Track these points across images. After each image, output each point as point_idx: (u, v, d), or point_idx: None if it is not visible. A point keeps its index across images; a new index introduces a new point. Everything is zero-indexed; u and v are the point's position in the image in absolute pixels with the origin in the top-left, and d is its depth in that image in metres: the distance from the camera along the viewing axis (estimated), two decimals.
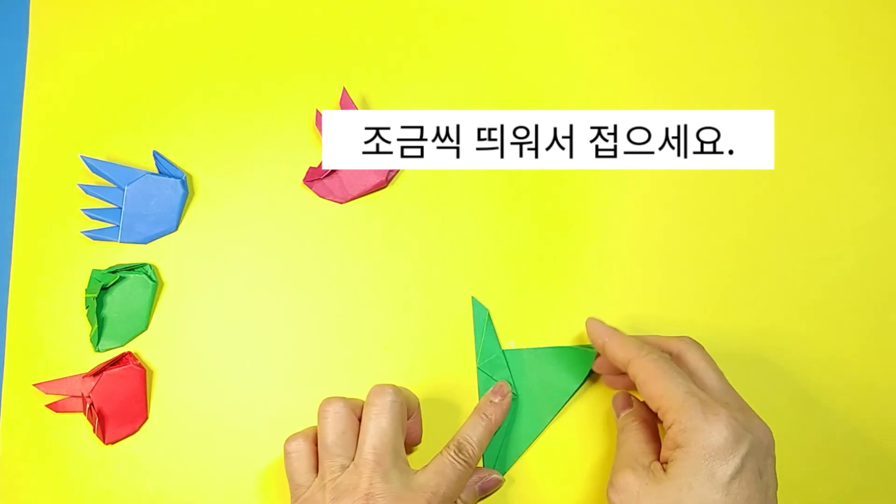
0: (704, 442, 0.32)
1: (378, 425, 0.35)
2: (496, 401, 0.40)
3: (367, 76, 0.45)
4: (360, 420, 0.36)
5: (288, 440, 0.37)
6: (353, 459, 0.35)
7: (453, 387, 0.42)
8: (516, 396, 0.41)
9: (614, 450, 0.38)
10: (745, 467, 0.32)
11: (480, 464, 0.40)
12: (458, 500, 0.38)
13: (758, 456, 0.33)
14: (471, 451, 0.37)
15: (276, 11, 0.46)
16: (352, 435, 0.36)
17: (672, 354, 0.37)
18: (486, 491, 0.39)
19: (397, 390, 0.36)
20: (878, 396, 0.42)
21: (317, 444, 0.36)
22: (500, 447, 0.41)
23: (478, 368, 0.42)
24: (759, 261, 0.43)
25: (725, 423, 0.32)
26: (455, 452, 0.37)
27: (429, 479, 0.35)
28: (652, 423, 0.38)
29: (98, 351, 0.42)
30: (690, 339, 0.38)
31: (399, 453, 0.35)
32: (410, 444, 0.40)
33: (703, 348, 0.38)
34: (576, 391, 0.41)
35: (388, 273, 0.43)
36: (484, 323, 0.42)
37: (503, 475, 0.40)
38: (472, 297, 0.42)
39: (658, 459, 0.35)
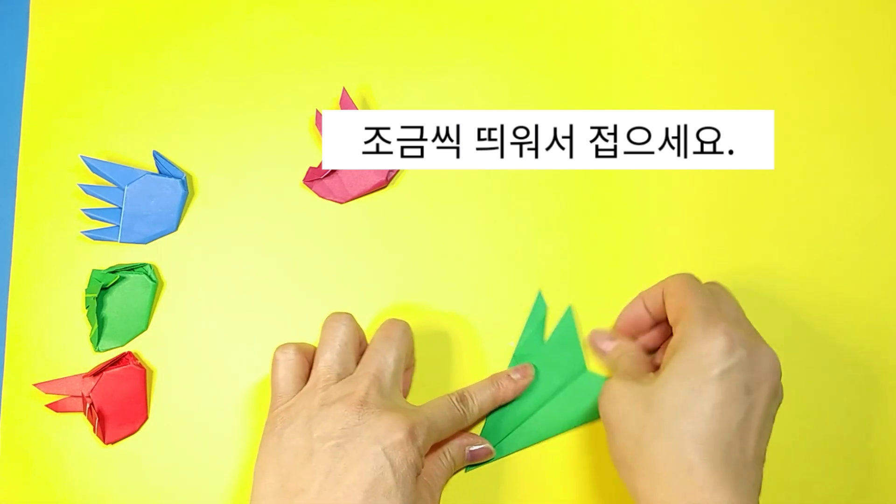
0: (696, 347, 0.33)
1: (383, 349, 0.36)
2: (514, 377, 0.40)
3: (367, 76, 0.45)
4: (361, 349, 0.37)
5: (279, 347, 0.37)
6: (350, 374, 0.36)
7: (453, 386, 0.41)
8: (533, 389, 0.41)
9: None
10: (728, 376, 0.32)
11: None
12: (446, 454, 0.38)
13: (748, 372, 0.33)
14: (471, 405, 0.38)
15: (277, 11, 0.46)
16: (353, 353, 0.36)
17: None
18: (475, 459, 0.39)
19: (409, 329, 0.37)
20: (879, 396, 0.42)
21: (308, 359, 0.37)
22: (502, 430, 0.41)
23: (514, 355, 0.42)
24: (759, 260, 0.43)
25: (722, 332, 0.33)
26: (457, 399, 0.37)
27: (424, 408, 0.36)
28: (643, 355, 0.39)
29: (98, 351, 0.42)
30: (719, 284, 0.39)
31: (397, 383, 0.36)
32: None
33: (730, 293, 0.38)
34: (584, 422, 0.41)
35: (388, 273, 0.43)
36: (539, 318, 0.42)
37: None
38: (539, 293, 0.42)
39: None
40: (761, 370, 0.34)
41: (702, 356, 0.33)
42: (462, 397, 0.38)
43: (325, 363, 0.36)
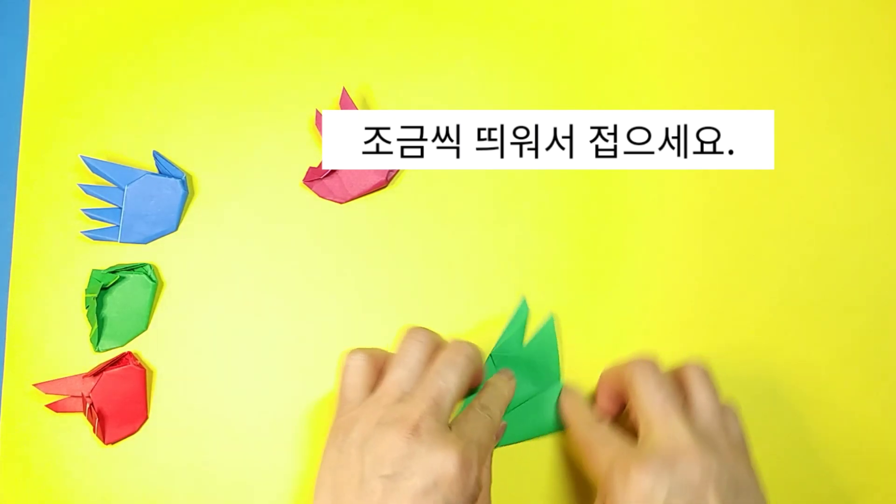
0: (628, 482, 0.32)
1: (446, 372, 0.35)
2: (504, 378, 0.40)
3: (367, 76, 0.45)
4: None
5: (351, 353, 0.36)
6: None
7: None
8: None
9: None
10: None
11: None
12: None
13: (686, 494, 0.31)
14: (494, 411, 0.37)
15: (277, 11, 0.46)
16: (421, 370, 0.35)
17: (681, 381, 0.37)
18: (499, 438, 0.39)
19: (477, 354, 0.36)
20: (878, 396, 0.42)
21: (378, 367, 0.36)
22: None
23: (490, 355, 0.42)
24: (759, 261, 0.43)
25: (636, 479, 0.32)
26: (480, 408, 0.36)
27: (465, 429, 0.34)
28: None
29: (98, 351, 0.42)
30: (695, 366, 0.37)
31: (454, 407, 0.35)
32: None
33: (705, 376, 0.37)
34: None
35: (388, 273, 0.43)
36: (520, 322, 0.42)
37: None
38: (522, 297, 0.42)
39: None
40: (694, 484, 0.32)
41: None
42: (483, 405, 0.37)
43: (395, 379, 0.35)
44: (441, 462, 0.31)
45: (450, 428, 0.33)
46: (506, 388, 0.39)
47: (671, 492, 0.31)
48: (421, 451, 0.31)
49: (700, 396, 0.35)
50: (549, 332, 0.42)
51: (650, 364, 0.36)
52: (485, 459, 0.34)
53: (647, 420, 0.34)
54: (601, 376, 0.41)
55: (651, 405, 0.35)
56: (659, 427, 0.34)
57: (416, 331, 0.37)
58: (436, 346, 0.36)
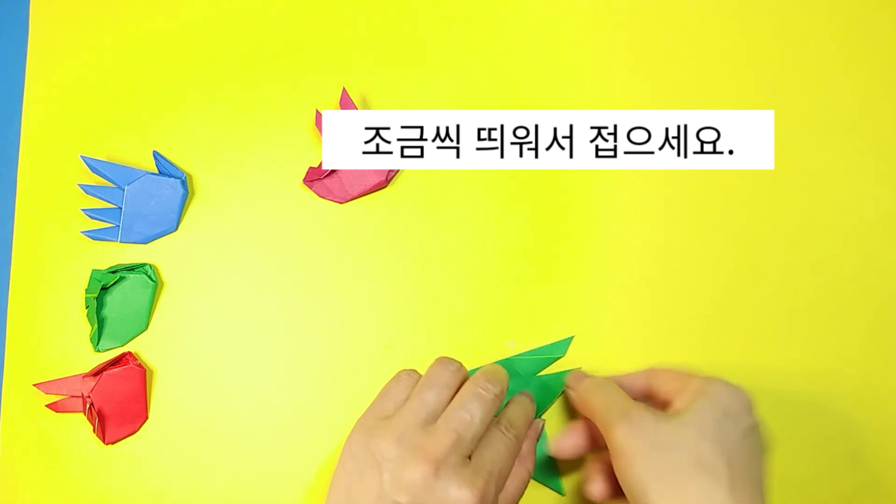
0: (722, 397, 0.35)
1: (475, 408, 0.35)
2: (528, 399, 0.39)
3: (367, 76, 0.45)
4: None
5: (406, 371, 0.37)
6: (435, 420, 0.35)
7: None
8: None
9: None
10: (752, 432, 0.34)
11: None
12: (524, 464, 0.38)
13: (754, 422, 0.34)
14: (519, 429, 0.37)
15: (276, 11, 0.46)
16: (448, 396, 0.36)
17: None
18: (537, 435, 0.40)
19: (504, 388, 0.36)
20: (878, 396, 0.42)
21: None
22: None
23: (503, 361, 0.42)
24: (759, 261, 0.43)
25: (745, 392, 0.35)
26: (505, 428, 0.36)
27: (489, 456, 0.34)
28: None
29: (98, 351, 0.42)
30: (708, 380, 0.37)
31: (477, 440, 0.35)
32: None
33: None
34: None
35: (388, 273, 0.43)
36: (550, 355, 0.42)
37: None
38: (572, 337, 0.42)
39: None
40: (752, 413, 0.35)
41: (730, 405, 0.34)
42: (509, 424, 0.36)
43: (421, 399, 0.35)
44: (458, 500, 0.32)
45: (470, 459, 0.34)
46: (530, 407, 0.39)
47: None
48: (439, 487, 0.32)
49: None
50: (557, 382, 0.41)
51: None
52: (502, 486, 0.35)
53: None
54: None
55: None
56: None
57: (447, 359, 0.37)
58: (464, 377, 0.37)
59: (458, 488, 0.32)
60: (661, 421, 0.34)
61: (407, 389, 0.36)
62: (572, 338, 0.42)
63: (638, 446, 0.33)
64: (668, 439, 0.33)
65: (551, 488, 0.41)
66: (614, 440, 0.34)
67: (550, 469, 0.41)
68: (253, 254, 0.43)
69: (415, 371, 0.38)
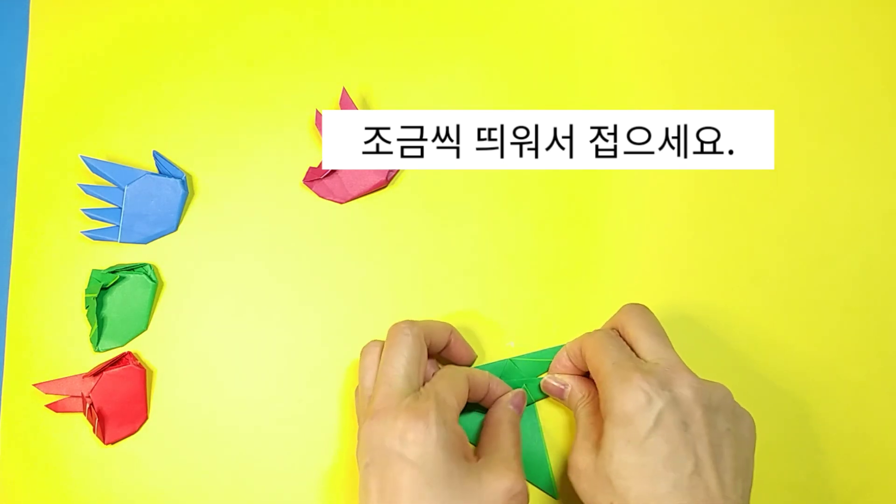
0: (618, 410, 0.33)
1: (445, 384, 0.36)
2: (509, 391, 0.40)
3: (367, 76, 0.45)
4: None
5: (364, 350, 0.38)
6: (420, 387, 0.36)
7: None
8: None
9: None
10: (660, 424, 0.32)
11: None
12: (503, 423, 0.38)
13: (679, 410, 0.33)
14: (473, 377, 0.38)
15: (277, 11, 0.46)
16: (419, 367, 0.37)
17: (618, 328, 0.38)
18: (518, 406, 0.40)
19: (420, 329, 0.37)
20: (878, 396, 0.42)
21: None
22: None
23: (514, 359, 0.42)
24: (759, 261, 0.43)
25: (636, 387, 0.33)
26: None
27: (433, 385, 0.36)
28: (597, 400, 0.38)
29: (98, 351, 0.42)
30: (632, 305, 0.38)
31: (416, 378, 0.36)
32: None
33: (644, 312, 0.38)
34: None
35: (388, 273, 0.43)
36: (544, 360, 0.42)
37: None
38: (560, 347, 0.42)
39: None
40: (687, 401, 0.33)
41: (624, 420, 0.33)
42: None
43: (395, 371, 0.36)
44: (402, 427, 0.33)
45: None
46: (498, 387, 0.40)
47: (665, 406, 0.33)
48: (377, 423, 0.34)
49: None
50: (531, 415, 0.41)
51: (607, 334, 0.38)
52: (455, 405, 0.35)
53: (646, 348, 0.36)
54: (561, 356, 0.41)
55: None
56: (654, 354, 0.36)
57: (399, 326, 0.38)
58: (423, 342, 0.38)
59: (398, 419, 0.33)
60: (589, 463, 0.35)
61: (373, 370, 0.37)
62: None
63: (589, 497, 0.34)
64: (609, 493, 0.33)
65: (545, 492, 0.40)
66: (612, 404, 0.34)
67: (544, 472, 0.41)
68: (253, 254, 0.43)
69: (375, 348, 0.38)
